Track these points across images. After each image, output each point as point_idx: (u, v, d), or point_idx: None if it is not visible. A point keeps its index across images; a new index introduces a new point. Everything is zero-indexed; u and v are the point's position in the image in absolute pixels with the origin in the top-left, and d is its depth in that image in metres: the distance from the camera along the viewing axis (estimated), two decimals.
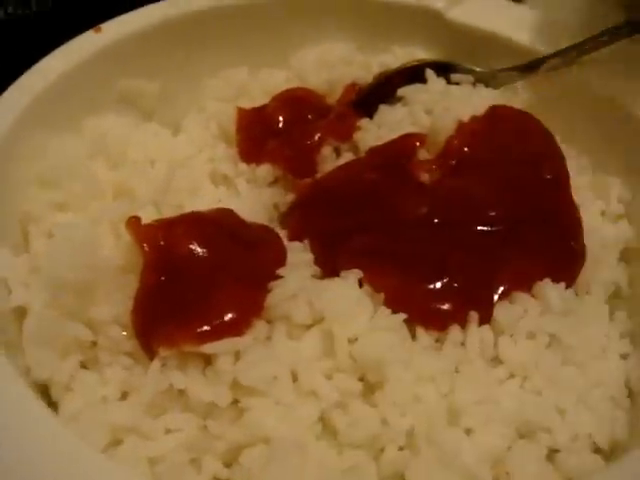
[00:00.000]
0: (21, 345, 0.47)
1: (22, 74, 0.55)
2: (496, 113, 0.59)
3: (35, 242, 0.51)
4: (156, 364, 0.45)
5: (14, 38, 0.68)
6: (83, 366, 0.47)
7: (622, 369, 0.52)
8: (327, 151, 0.59)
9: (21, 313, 0.48)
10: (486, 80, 0.63)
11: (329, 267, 0.50)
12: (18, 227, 0.52)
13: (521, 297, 0.50)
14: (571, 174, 0.58)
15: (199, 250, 0.48)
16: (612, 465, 0.44)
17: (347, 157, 0.59)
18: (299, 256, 0.51)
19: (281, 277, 0.47)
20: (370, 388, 0.46)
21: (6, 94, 0.53)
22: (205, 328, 0.44)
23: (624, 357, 0.54)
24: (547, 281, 0.50)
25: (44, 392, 0.47)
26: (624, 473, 0.41)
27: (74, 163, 0.54)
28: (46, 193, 0.52)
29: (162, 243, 0.47)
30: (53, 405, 0.46)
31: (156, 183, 0.55)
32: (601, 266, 0.56)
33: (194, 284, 0.47)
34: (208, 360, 0.45)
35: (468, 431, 0.45)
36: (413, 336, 0.48)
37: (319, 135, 0.59)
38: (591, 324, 0.52)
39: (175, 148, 0.60)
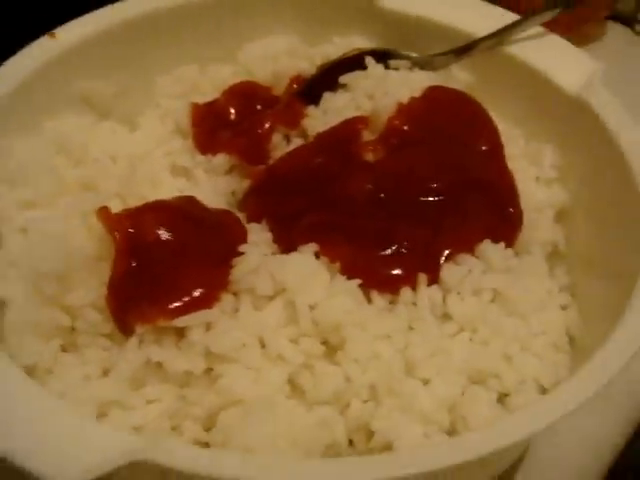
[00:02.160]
0: (2, 335, 0.50)
1: None
2: (433, 93, 0.63)
3: (8, 239, 0.54)
4: (134, 340, 0.48)
5: None
6: (64, 350, 0.51)
7: (562, 319, 0.57)
8: (277, 138, 0.63)
9: (0, 306, 0.51)
10: (423, 64, 0.67)
11: (286, 244, 0.54)
12: None
13: (465, 258, 0.54)
14: (505, 145, 0.62)
15: (166, 234, 0.51)
16: (547, 396, 0.48)
17: (297, 143, 0.63)
18: (258, 235, 0.54)
19: (243, 253, 0.51)
20: (332, 349, 0.50)
21: None
22: (176, 304, 0.48)
23: (564, 308, 0.59)
24: (487, 242, 0.55)
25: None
26: (557, 402, 0.45)
27: (39, 162, 0.56)
28: (14, 192, 0.55)
29: (131, 230, 0.51)
30: None
31: (119, 177, 0.58)
32: (538, 228, 0.60)
33: (163, 266, 0.50)
34: (181, 333, 0.48)
35: (425, 381, 0.50)
36: (368, 300, 0.52)
37: (269, 124, 0.63)
38: (532, 279, 0.57)
39: (134, 144, 0.63)
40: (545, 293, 0.57)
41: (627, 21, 0.95)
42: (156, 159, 0.62)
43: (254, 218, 0.57)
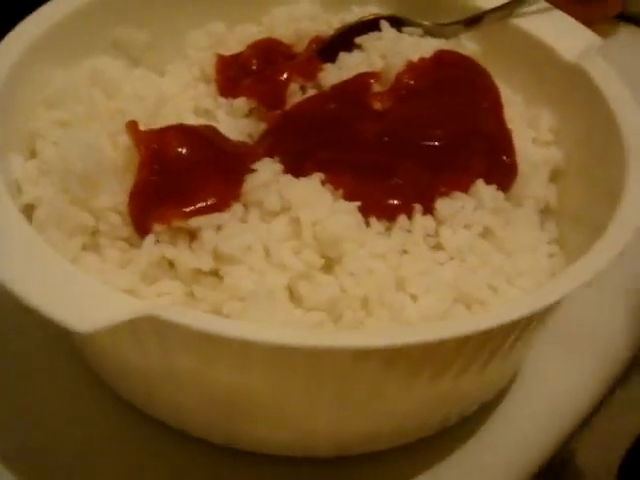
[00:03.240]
0: None
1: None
2: (441, 55, 0.68)
3: (43, 151, 0.59)
4: (150, 238, 0.53)
5: None
6: (85, 249, 0.56)
7: (549, 264, 0.61)
8: (295, 88, 0.68)
9: (32, 211, 0.56)
10: (434, 32, 0.72)
11: (296, 174, 0.59)
12: (27, 142, 0.60)
13: (459, 195, 0.59)
14: (506, 108, 0.67)
15: (186, 151, 0.56)
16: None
17: (312, 93, 0.68)
18: (270, 164, 0.59)
19: (255, 170, 0.56)
20: (330, 263, 0.55)
21: (16, 29, 0.61)
22: (191, 207, 0.53)
23: (551, 256, 0.63)
24: (481, 182, 0.59)
25: None
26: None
27: (75, 89, 0.62)
28: (51, 113, 0.61)
29: (155, 146, 0.56)
30: None
31: (147, 111, 0.63)
32: (532, 183, 0.64)
33: (182, 177, 0.55)
34: (194, 236, 0.53)
35: (413, 297, 0.54)
36: (367, 224, 0.57)
37: (287, 74, 0.68)
38: (522, 226, 0.61)
39: (162, 87, 0.68)
40: (534, 240, 0.62)
41: (638, 21, 1.00)
42: (181, 101, 0.67)
43: (268, 154, 0.61)
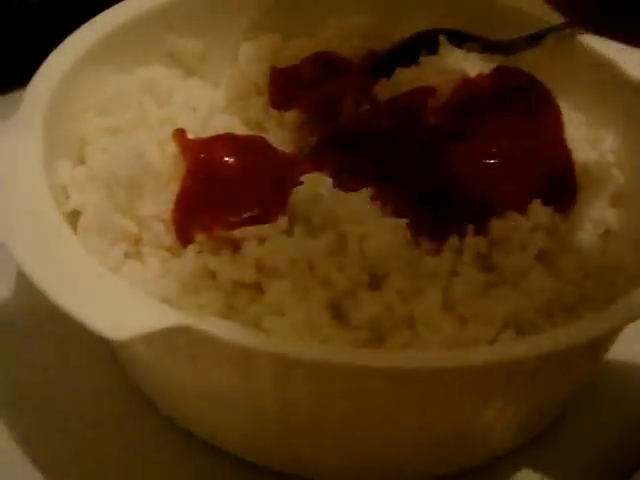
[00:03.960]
0: None
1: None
2: (500, 72, 0.66)
3: (91, 158, 0.58)
4: (192, 247, 0.52)
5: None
6: (127, 257, 0.55)
7: (608, 291, 0.58)
8: (348, 102, 0.66)
9: (78, 217, 0.56)
10: (494, 48, 0.70)
11: (345, 189, 0.57)
12: (76, 147, 0.60)
13: (514, 215, 0.56)
14: (567, 128, 0.64)
15: (233, 161, 0.55)
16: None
17: (366, 108, 0.66)
18: (319, 177, 0.57)
19: (303, 183, 0.54)
20: (376, 281, 0.53)
21: (73, 36, 0.61)
22: (236, 218, 0.52)
23: (611, 284, 0.59)
24: (538, 202, 0.57)
25: None
26: None
27: (126, 97, 0.61)
28: (101, 119, 0.60)
29: (202, 155, 0.55)
30: None
31: (197, 121, 0.63)
32: (592, 206, 0.62)
33: (227, 187, 0.54)
34: (237, 247, 0.52)
35: (462, 320, 0.52)
36: (416, 244, 0.55)
37: (341, 88, 0.66)
38: (581, 250, 0.58)
39: (214, 99, 0.67)
40: (593, 266, 0.59)
41: None
42: (233, 112, 0.66)
43: (317, 168, 0.60)
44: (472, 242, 0.55)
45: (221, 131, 0.63)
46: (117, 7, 0.65)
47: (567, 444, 0.60)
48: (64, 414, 0.59)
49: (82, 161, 0.59)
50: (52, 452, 0.57)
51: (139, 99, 0.62)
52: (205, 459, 0.56)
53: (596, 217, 0.62)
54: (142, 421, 0.58)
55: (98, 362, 0.61)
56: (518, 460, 0.58)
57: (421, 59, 0.69)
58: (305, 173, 0.56)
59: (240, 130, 0.65)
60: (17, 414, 0.58)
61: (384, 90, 0.67)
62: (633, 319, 0.49)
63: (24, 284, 0.63)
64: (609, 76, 0.66)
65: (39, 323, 0.61)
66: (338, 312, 0.52)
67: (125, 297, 0.44)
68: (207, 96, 0.67)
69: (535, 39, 0.69)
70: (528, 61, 0.69)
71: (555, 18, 0.69)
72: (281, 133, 0.65)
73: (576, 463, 0.60)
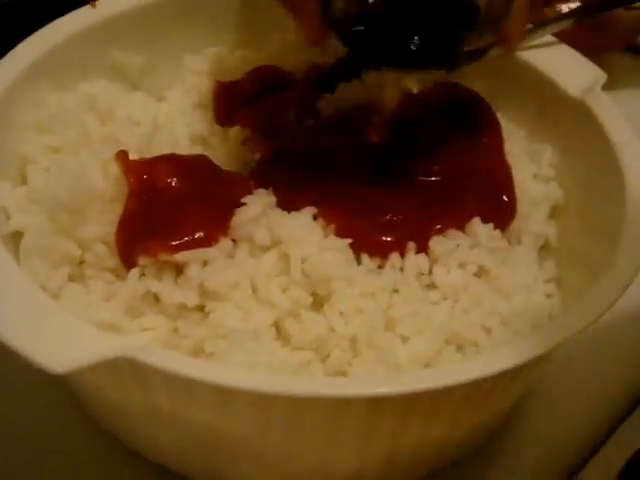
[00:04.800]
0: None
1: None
2: (442, 87, 0.67)
3: (33, 178, 0.58)
4: (135, 271, 0.52)
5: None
6: (71, 280, 0.54)
7: (545, 305, 0.60)
8: (292, 117, 0.67)
9: (19, 238, 0.55)
10: None
11: (288, 207, 0.58)
12: (17, 167, 0.59)
13: (454, 234, 0.58)
14: (507, 142, 0.66)
15: (176, 182, 0.55)
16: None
17: (309, 124, 0.67)
18: (263, 197, 0.58)
19: (246, 205, 0.55)
20: (319, 301, 0.53)
21: (12, 52, 0.60)
22: (178, 241, 0.52)
23: (548, 297, 0.61)
24: (477, 220, 0.58)
25: None
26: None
27: (68, 115, 0.61)
28: (43, 138, 0.60)
29: (145, 176, 0.55)
30: None
31: (141, 137, 0.62)
32: (531, 220, 0.63)
33: (170, 209, 0.54)
34: (180, 270, 0.52)
35: (404, 338, 0.53)
36: (358, 262, 0.55)
37: (284, 103, 0.67)
38: (519, 265, 0.60)
39: (158, 113, 0.67)
40: (531, 279, 0.60)
41: None
42: (177, 127, 0.66)
43: (261, 186, 0.60)
44: (413, 260, 0.55)
45: (165, 148, 0.63)
46: (57, 22, 0.64)
47: (510, 453, 0.62)
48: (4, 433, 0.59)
49: (23, 181, 0.59)
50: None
51: (81, 116, 0.62)
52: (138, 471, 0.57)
53: (535, 231, 0.63)
54: (85, 439, 0.59)
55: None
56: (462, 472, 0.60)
57: (364, 74, 0.69)
58: (248, 193, 0.56)
59: (185, 146, 0.65)
60: None
61: (328, 105, 0.67)
62: (571, 336, 0.50)
63: None
64: (548, 92, 0.67)
65: None
66: (281, 333, 0.52)
67: (65, 325, 0.44)
68: (151, 111, 0.67)
69: (476, 54, 0.70)
70: (469, 76, 0.70)
71: (494, 37, 0.70)
72: (225, 149, 0.65)
73: (519, 470, 0.62)
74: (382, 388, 0.44)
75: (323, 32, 0.57)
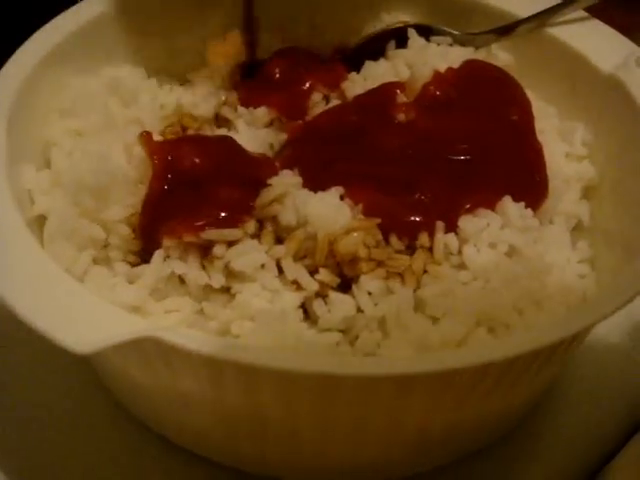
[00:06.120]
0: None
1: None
2: (469, 65, 0.66)
3: (56, 162, 0.57)
4: (159, 253, 0.51)
5: None
6: (95, 263, 0.54)
7: (579, 285, 0.58)
8: (317, 97, 0.66)
9: (44, 222, 0.55)
10: (464, 42, 0.69)
11: (314, 187, 0.57)
12: (41, 150, 0.59)
13: (484, 212, 0.56)
14: (539, 121, 0.64)
15: (200, 163, 0.54)
16: None
17: (335, 103, 0.66)
18: (288, 177, 0.57)
19: (271, 185, 0.54)
20: (347, 282, 0.52)
21: (34, 37, 0.60)
22: (202, 222, 0.51)
23: (582, 277, 0.60)
24: (508, 198, 0.57)
25: None
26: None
27: (91, 98, 0.60)
28: (66, 121, 0.59)
29: (169, 157, 0.54)
30: None
31: (164, 120, 0.62)
32: (563, 200, 0.62)
33: (195, 190, 0.53)
34: (205, 252, 0.51)
35: (434, 319, 0.51)
36: (386, 242, 0.54)
37: (310, 83, 0.66)
38: (552, 245, 0.58)
39: (182, 96, 0.67)
40: (564, 260, 0.59)
41: None
42: (201, 109, 0.66)
43: (287, 167, 0.59)
44: (442, 240, 0.54)
45: (189, 131, 0.62)
46: (79, 6, 0.64)
47: (533, 444, 0.60)
48: (36, 418, 0.58)
49: (47, 165, 0.58)
50: (19, 457, 0.56)
51: (104, 100, 0.61)
52: (164, 455, 0.56)
53: (567, 211, 0.62)
54: (114, 425, 0.58)
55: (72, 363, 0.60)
56: (485, 458, 0.58)
57: (390, 53, 0.68)
58: (274, 174, 0.56)
59: (209, 128, 0.65)
60: None
61: (353, 85, 0.66)
62: (605, 317, 0.48)
63: None
64: (579, 68, 0.65)
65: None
66: (309, 315, 0.51)
67: (90, 307, 0.44)
68: (174, 94, 0.67)
69: (504, 32, 0.69)
70: (497, 54, 0.69)
71: (523, 12, 0.69)
72: (251, 130, 0.64)
73: (541, 462, 0.60)
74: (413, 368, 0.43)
75: None
